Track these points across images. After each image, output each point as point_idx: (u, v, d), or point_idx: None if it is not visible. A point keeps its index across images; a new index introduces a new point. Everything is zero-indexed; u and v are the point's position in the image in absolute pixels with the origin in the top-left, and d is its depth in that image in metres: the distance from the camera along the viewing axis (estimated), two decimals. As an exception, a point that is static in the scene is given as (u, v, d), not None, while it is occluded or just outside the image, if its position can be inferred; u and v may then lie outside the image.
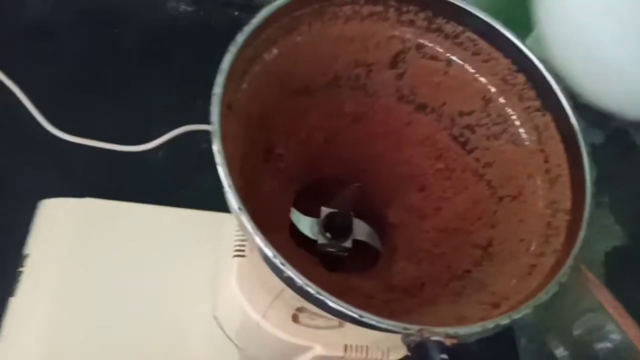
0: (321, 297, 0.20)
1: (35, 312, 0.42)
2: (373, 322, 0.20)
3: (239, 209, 0.20)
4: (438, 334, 0.20)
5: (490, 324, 0.20)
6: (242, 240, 0.36)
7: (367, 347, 0.34)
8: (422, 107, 0.30)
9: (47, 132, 0.50)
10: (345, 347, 0.34)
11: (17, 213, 0.46)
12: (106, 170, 0.52)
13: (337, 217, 0.31)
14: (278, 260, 0.20)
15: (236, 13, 0.62)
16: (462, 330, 0.20)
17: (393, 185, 0.32)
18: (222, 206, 0.46)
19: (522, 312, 0.21)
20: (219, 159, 0.20)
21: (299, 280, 0.20)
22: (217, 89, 0.21)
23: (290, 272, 0.20)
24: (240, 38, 0.23)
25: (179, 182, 0.53)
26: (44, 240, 0.46)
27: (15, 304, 0.43)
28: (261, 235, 0.20)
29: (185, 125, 0.53)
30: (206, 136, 0.55)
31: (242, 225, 0.21)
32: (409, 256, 0.30)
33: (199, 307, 0.44)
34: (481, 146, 0.29)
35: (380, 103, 0.31)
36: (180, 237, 0.47)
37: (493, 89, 0.27)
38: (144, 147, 0.52)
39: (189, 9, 0.61)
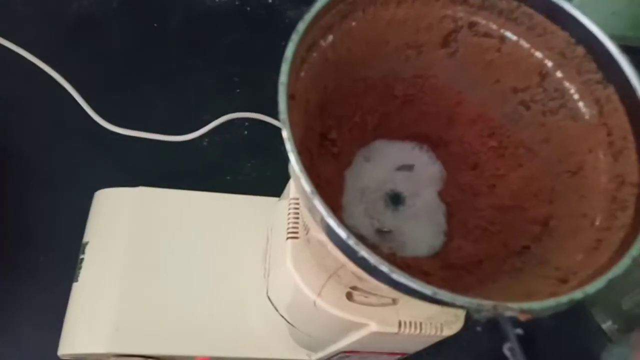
0: (395, 276, 0.19)
1: (97, 296, 0.44)
2: (447, 300, 0.19)
3: (312, 192, 0.20)
4: (512, 309, 0.20)
5: (564, 299, 0.20)
6: (295, 223, 0.36)
7: (420, 323, 0.34)
8: (472, 86, 0.29)
9: (97, 124, 0.51)
10: (400, 323, 0.34)
11: (73, 204, 0.47)
12: (154, 159, 0.52)
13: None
14: (352, 241, 0.20)
15: (270, 1, 0.61)
16: (537, 305, 0.20)
17: (445, 165, 0.32)
18: (265, 190, 0.47)
19: (597, 286, 0.20)
20: (289, 145, 0.20)
21: (373, 259, 0.19)
22: (283, 78, 0.21)
23: (364, 252, 0.19)
24: (302, 26, 0.22)
25: (223, 169, 0.54)
26: (102, 229, 0.47)
27: (78, 289, 0.44)
28: (334, 217, 0.20)
29: (229, 114, 0.53)
30: (247, 123, 0.56)
31: (313, 209, 0.20)
32: (464, 234, 0.30)
33: (251, 289, 0.45)
34: (536, 122, 0.28)
35: (431, 84, 0.30)
36: (231, 222, 0.48)
37: (549, 64, 0.26)
38: (189, 137, 0.52)
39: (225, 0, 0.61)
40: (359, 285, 0.34)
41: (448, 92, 0.30)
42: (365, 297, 0.34)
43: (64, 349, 0.42)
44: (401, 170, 0.33)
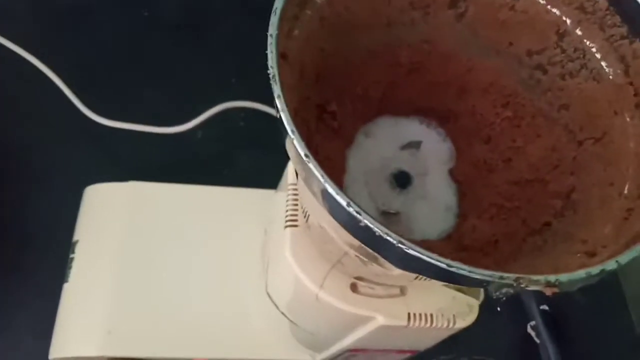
0: (402, 247, 0.17)
1: (88, 296, 0.42)
2: (464, 272, 0.17)
3: (306, 155, 0.18)
4: (537, 282, 0.17)
5: (595, 270, 0.18)
6: (295, 210, 0.34)
7: (431, 315, 0.32)
8: (484, 52, 0.27)
9: (86, 117, 0.49)
10: (409, 315, 0.32)
11: (63, 201, 0.45)
12: (147, 152, 0.51)
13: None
14: (353, 209, 0.17)
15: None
16: (564, 277, 0.18)
17: (455, 139, 0.30)
18: (262, 183, 0.45)
19: (630, 255, 0.18)
20: (280, 104, 0.18)
21: (377, 229, 0.17)
22: (272, 30, 0.19)
23: (367, 220, 0.17)
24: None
25: (219, 161, 0.52)
26: (92, 226, 0.45)
27: (69, 289, 0.43)
28: (332, 183, 0.18)
29: (223, 103, 0.52)
30: (243, 114, 0.54)
31: (309, 177, 0.18)
32: (479, 214, 0.28)
33: (249, 285, 0.43)
34: (555, 87, 0.26)
35: (438, 50, 0.28)
36: (226, 216, 0.46)
37: (568, 21, 0.24)
38: (182, 128, 0.51)
39: (220, -13, 0.59)
40: (364, 275, 0.32)
41: (457, 59, 0.28)
42: (371, 288, 0.32)
43: (54, 352, 0.40)
44: (407, 148, 0.30)
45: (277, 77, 0.19)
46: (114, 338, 0.40)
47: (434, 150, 0.30)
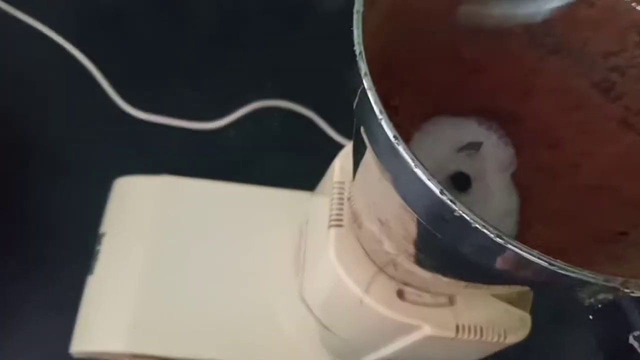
0: (500, 240, 0.16)
1: (113, 289, 0.40)
2: (566, 272, 0.16)
3: (395, 137, 0.16)
4: (647, 287, 0.16)
5: None
6: (340, 209, 0.32)
7: (481, 327, 0.30)
8: (555, 51, 0.26)
9: (122, 110, 0.48)
10: (457, 327, 0.30)
11: (94, 191, 0.44)
12: (179, 147, 0.49)
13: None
14: (446, 197, 0.16)
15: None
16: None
17: (517, 143, 0.28)
18: (293, 184, 0.43)
19: None
20: (366, 82, 0.17)
21: (473, 220, 0.16)
22: (359, 7, 0.18)
23: (462, 210, 0.16)
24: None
25: (250, 160, 0.51)
26: (120, 219, 0.44)
27: (93, 282, 0.41)
28: (423, 167, 0.16)
29: (257, 102, 0.51)
30: (277, 114, 0.53)
31: (395, 159, 0.17)
32: (543, 221, 0.26)
33: (278, 288, 0.41)
34: (632, 91, 0.24)
35: (505, 47, 0.26)
36: (257, 215, 0.44)
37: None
38: (216, 125, 0.49)
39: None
40: (411, 281, 0.30)
41: (524, 58, 0.26)
42: (419, 295, 0.31)
43: (77, 345, 0.38)
44: (466, 149, 0.29)
45: (363, 55, 0.17)
46: (139, 334, 0.38)
47: (493, 152, 0.29)
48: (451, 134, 0.29)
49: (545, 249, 0.25)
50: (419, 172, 0.16)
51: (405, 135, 0.28)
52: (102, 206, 0.44)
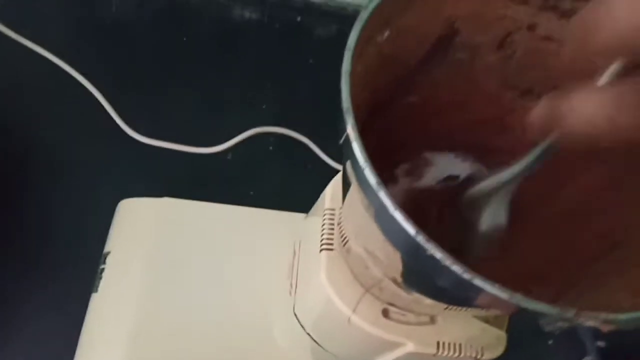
0: (467, 276, 0.18)
1: (116, 307, 0.42)
2: (526, 304, 0.17)
3: (377, 183, 0.18)
4: (596, 318, 0.17)
5: (652, 310, 0.18)
6: (330, 234, 0.34)
7: (460, 344, 0.32)
8: (528, 92, 0.28)
9: (124, 133, 0.50)
10: (438, 344, 0.32)
11: (97, 213, 0.46)
12: (179, 170, 0.51)
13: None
14: (421, 237, 0.18)
15: (298, 18, 0.61)
16: (623, 316, 0.18)
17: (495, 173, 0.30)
18: (287, 205, 0.45)
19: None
20: (353, 134, 0.19)
21: (447, 259, 0.18)
22: (347, 66, 0.20)
23: (434, 250, 0.18)
24: (365, 15, 0.21)
25: (247, 183, 0.52)
26: (124, 239, 0.45)
27: (97, 300, 0.42)
28: (403, 212, 0.18)
29: (254, 128, 0.53)
30: (272, 139, 0.55)
31: (375, 203, 0.19)
32: (526, 242, 0.28)
33: (273, 305, 0.43)
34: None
35: (481, 89, 0.29)
36: (253, 236, 0.46)
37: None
38: (214, 149, 0.51)
39: (254, 15, 0.61)
40: (396, 302, 0.32)
41: (499, 99, 0.28)
42: (403, 314, 0.32)
43: (80, 362, 0.40)
44: (445, 182, 0.31)
45: (350, 110, 0.19)
46: (141, 352, 0.39)
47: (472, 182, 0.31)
48: (433, 167, 0.31)
49: (529, 269, 0.27)
50: (397, 216, 0.18)
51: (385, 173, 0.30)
52: (107, 226, 0.46)
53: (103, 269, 0.43)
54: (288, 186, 0.52)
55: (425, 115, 0.29)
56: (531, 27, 0.26)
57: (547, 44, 0.26)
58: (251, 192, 0.52)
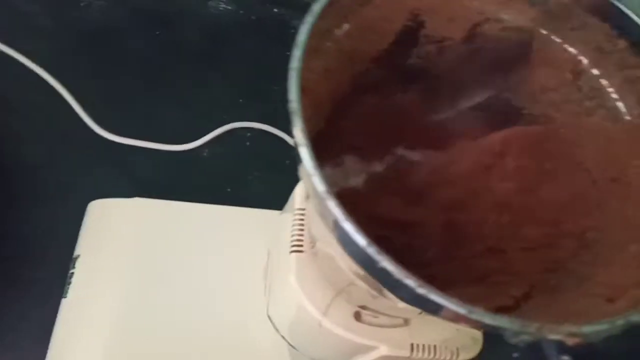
0: (423, 291, 0.16)
1: (87, 313, 0.40)
2: (486, 320, 0.16)
3: (325, 191, 0.17)
4: (560, 332, 0.16)
5: (619, 321, 0.17)
6: (300, 235, 0.33)
7: (435, 346, 0.31)
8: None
9: (95, 133, 0.48)
10: (412, 346, 0.31)
11: (68, 215, 0.44)
12: (153, 169, 0.49)
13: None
14: (372, 250, 0.16)
15: (275, 10, 0.59)
16: (588, 328, 0.16)
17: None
18: (267, 203, 0.44)
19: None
20: (300, 138, 0.17)
21: (397, 272, 0.16)
22: (295, 63, 0.18)
23: (386, 263, 0.16)
24: (317, 7, 0.19)
25: (224, 180, 0.51)
26: (94, 242, 0.44)
27: (67, 305, 0.41)
28: (352, 222, 0.16)
29: (230, 124, 0.51)
30: (250, 134, 0.53)
31: (326, 211, 0.17)
32: (481, 252, 0.26)
33: (251, 306, 0.41)
34: (569, 125, 0.25)
35: (449, 80, 0.27)
36: (230, 235, 0.44)
37: (585, 60, 0.24)
38: (189, 146, 0.49)
39: (229, 7, 0.59)
40: (368, 304, 0.31)
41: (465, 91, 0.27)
42: (375, 317, 0.31)
43: (50, 369, 0.38)
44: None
45: (298, 111, 0.18)
46: (113, 357, 0.38)
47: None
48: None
49: (489, 275, 0.26)
50: (347, 226, 0.17)
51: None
52: (78, 228, 0.44)
53: (72, 274, 0.42)
54: (267, 183, 0.50)
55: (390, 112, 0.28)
56: (499, 20, 0.24)
57: (515, 36, 0.24)
58: (228, 189, 0.50)
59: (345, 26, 0.22)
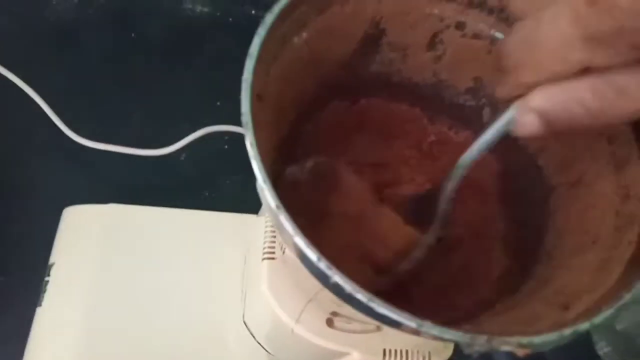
0: (374, 305, 0.16)
1: (62, 322, 0.40)
2: (435, 332, 0.16)
3: (277, 206, 0.17)
4: (509, 343, 0.17)
5: (567, 331, 0.17)
6: (272, 242, 0.33)
7: (407, 351, 0.31)
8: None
9: (68, 138, 0.48)
10: (385, 351, 0.31)
11: (41, 221, 0.44)
12: (128, 174, 0.49)
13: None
14: (323, 264, 0.17)
15: (253, 12, 0.59)
16: (537, 339, 0.17)
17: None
18: (246, 207, 0.44)
19: (604, 314, 0.17)
20: (251, 151, 0.17)
21: (348, 286, 0.16)
22: (247, 75, 0.19)
23: (337, 277, 0.16)
24: (269, 19, 0.20)
25: (201, 184, 0.51)
26: (69, 249, 0.43)
27: (42, 314, 0.41)
28: (303, 236, 0.17)
29: (206, 127, 0.51)
30: (227, 137, 0.53)
31: (279, 225, 0.18)
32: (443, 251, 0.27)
33: (228, 313, 0.41)
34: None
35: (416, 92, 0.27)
36: (207, 241, 0.44)
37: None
38: (165, 151, 0.49)
39: (205, 9, 0.59)
40: (341, 311, 0.31)
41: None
42: (348, 323, 0.31)
43: (24, 379, 0.38)
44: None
45: (250, 124, 0.18)
46: (88, 366, 0.38)
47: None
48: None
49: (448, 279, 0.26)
50: (298, 240, 0.17)
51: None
52: (53, 235, 0.44)
53: (47, 282, 0.42)
54: (245, 187, 0.50)
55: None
56: (459, 26, 0.24)
57: (475, 42, 0.25)
58: (206, 194, 0.50)
59: (304, 34, 0.23)
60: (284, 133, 0.25)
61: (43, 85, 0.48)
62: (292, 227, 0.17)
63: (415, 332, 0.17)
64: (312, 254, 0.17)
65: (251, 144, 0.18)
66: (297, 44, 0.23)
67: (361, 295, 0.16)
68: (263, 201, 0.18)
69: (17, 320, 0.40)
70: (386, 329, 0.32)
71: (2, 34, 0.53)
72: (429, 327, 0.16)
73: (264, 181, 0.17)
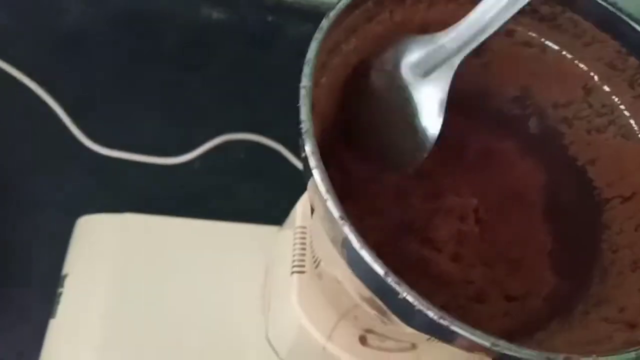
0: (444, 322, 0.16)
1: (76, 334, 0.39)
2: (508, 352, 0.16)
3: (341, 218, 0.16)
4: (588, 364, 0.16)
5: (645, 350, 0.16)
6: (302, 255, 0.32)
7: (441, 368, 0.31)
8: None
9: (83, 146, 0.47)
10: (420, 371, 0.30)
11: (56, 230, 0.43)
12: (144, 183, 0.49)
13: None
14: (391, 279, 0.16)
15: (269, 18, 0.59)
16: (614, 358, 0.16)
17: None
18: (261, 218, 0.43)
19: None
20: (313, 162, 0.17)
21: (419, 303, 0.16)
22: (306, 82, 0.18)
23: (406, 293, 0.16)
24: (326, 24, 0.19)
25: (217, 194, 0.50)
26: (83, 259, 0.43)
27: (55, 326, 0.40)
28: (370, 251, 0.16)
29: (222, 135, 0.50)
30: (244, 146, 0.53)
31: (342, 238, 0.17)
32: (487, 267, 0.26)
33: (249, 328, 0.41)
34: (580, 141, 0.25)
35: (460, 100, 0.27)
36: (223, 252, 0.44)
37: (596, 77, 0.24)
38: (181, 159, 0.49)
39: (222, 16, 0.58)
40: (376, 329, 0.30)
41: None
42: (382, 341, 0.31)
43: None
44: None
45: (310, 131, 0.17)
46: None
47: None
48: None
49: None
50: (365, 253, 0.16)
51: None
52: (66, 244, 0.43)
53: (61, 293, 0.41)
54: (261, 197, 0.50)
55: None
56: (509, 33, 0.24)
57: (525, 50, 0.24)
58: (222, 204, 0.50)
59: (353, 41, 0.22)
60: (326, 145, 0.24)
61: (59, 91, 0.47)
62: (359, 241, 0.16)
63: (486, 350, 0.16)
64: (379, 269, 0.16)
65: (313, 153, 0.17)
66: (345, 51, 0.22)
67: (432, 313, 0.16)
68: (321, 213, 0.18)
69: (31, 332, 0.39)
70: (422, 347, 0.31)
71: (19, 41, 0.52)
72: (504, 347, 0.16)
73: (328, 191, 0.17)
